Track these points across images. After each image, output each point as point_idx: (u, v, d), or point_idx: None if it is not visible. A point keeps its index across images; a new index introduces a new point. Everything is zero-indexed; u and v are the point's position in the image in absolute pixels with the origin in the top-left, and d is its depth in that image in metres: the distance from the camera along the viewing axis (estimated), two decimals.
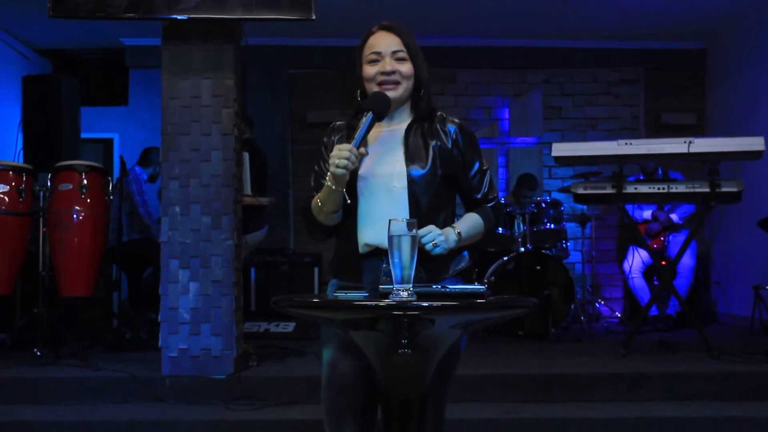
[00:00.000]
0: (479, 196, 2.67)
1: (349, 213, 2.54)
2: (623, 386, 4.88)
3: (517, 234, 7.24)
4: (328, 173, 2.43)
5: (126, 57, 8.96)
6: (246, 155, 6.04)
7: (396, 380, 2.13)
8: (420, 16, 7.95)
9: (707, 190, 5.52)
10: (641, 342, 6.07)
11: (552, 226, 7.22)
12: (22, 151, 6.60)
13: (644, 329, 7.00)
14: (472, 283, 2.53)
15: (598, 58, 9.11)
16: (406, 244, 2.09)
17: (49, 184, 5.62)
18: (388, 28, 2.60)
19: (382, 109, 2.50)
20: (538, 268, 6.98)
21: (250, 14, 4.80)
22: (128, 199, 7.20)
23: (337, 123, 2.70)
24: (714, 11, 8.07)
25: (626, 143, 5.59)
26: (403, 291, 2.07)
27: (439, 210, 2.55)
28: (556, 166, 8.74)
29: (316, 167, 2.69)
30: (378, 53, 2.56)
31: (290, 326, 6.68)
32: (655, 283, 7.61)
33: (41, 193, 5.62)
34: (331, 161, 2.40)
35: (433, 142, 2.57)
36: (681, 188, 5.65)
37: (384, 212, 2.46)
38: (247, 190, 6.12)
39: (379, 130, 2.58)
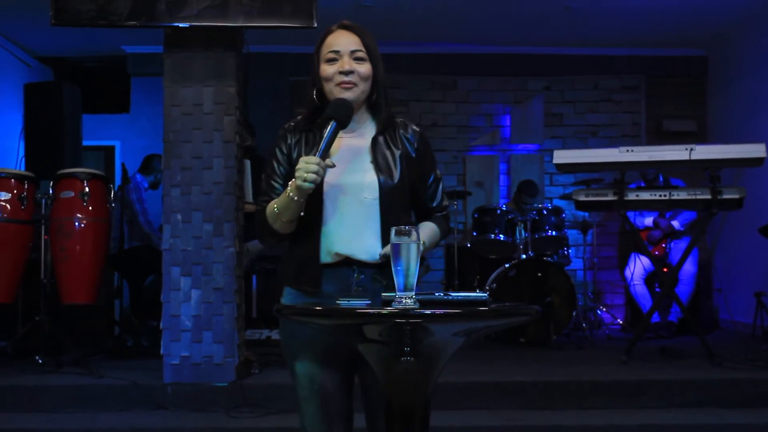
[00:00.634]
0: (434, 205, 2.63)
1: (306, 221, 2.45)
2: (625, 393, 4.88)
3: (518, 241, 7.25)
4: (291, 183, 2.36)
5: (128, 64, 8.97)
6: (247, 163, 6.04)
7: (398, 388, 2.13)
8: (421, 24, 7.97)
9: (709, 197, 5.52)
10: (643, 349, 6.07)
11: (553, 233, 7.23)
12: (23, 159, 6.60)
13: (646, 336, 6.99)
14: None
15: (599, 65, 9.12)
16: (411, 252, 2.08)
17: (50, 191, 5.62)
18: (347, 27, 2.53)
19: (345, 117, 2.43)
20: (540, 275, 6.99)
21: (251, 22, 4.82)
22: (129, 208, 7.20)
23: (292, 124, 2.60)
24: (714, 19, 8.08)
25: (628, 150, 5.59)
26: (406, 299, 2.07)
27: (404, 219, 2.50)
28: (557, 173, 8.75)
29: (268, 169, 2.59)
30: (336, 52, 2.48)
31: None
32: (657, 290, 7.60)
33: (43, 201, 5.62)
34: (297, 174, 2.32)
35: (399, 151, 2.53)
36: (682, 195, 5.66)
37: (354, 223, 2.43)
38: (249, 197, 6.12)
39: (339, 138, 2.47)
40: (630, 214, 6.49)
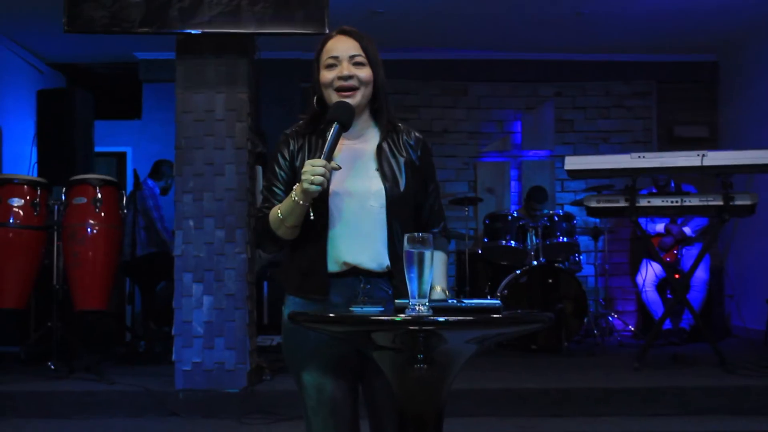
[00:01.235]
0: (433, 216, 2.60)
1: (310, 227, 2.43)
2: (637, 400, 4.87)
3: (529, 247, 7.23)
4: (297, 187, 2.34)
5: (139, 71, 9.00)
6: (259, 169, 6.05)
7: (412, 395, 2.13)
8: (432, 30, 7.97)
9: (721, 203, 5.51)
10: (655, 356, 6.05)
11: (565, 239, 7.21)
12: (36, 165, 6.63)
13: (658, 343, 6.96)
14: None
15: (610, 71, 9.11)
16: (425, 260, 2.08)
17: (63, 197, 5.65)
18: (346, 32, 2.51)
19: (347, 118, 2.40)
20: (551, 281, 6.98)
21: (263, 29, 4.84)
22: (145, 214, 7.19)
23: (294, 129, 2.58)
24: (725, 24, 8.06)
25: (639, 156, 5.58)
26: (419, 306, 2.07)
27: (409, 228, 2.42)
28: (568, 180, 8.72)
29: (269, 175, 2.56)
30: (335, 57, 2.47)
31: None
32: (669, 296, 7.57)
33: (55, 207, 5.65)
34: (303, 177, 2.30)
35: (404, 159, 2.51)
36: (694, 201, 5.64)
37: (361, 232, 2.42)
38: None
39: (341, 143, 2.44)
40: (641, 221, 6.47)
